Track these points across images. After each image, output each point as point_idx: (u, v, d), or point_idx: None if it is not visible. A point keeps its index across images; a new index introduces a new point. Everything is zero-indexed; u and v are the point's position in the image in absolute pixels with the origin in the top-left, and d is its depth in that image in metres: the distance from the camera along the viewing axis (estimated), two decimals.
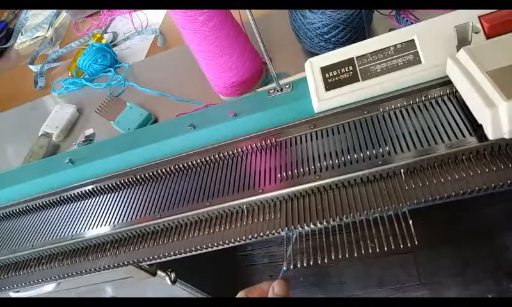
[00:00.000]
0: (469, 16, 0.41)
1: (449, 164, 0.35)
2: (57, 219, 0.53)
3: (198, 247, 0.42)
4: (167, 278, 0.55)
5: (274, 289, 0.36)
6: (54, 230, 0.52)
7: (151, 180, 0.51)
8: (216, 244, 0.41)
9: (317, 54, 0.47)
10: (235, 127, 0.49)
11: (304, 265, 0.36)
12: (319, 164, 0.39)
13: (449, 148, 0.35)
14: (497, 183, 0.33)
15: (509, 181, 0.33)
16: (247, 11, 0.43)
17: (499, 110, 0.31)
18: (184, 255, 0.43)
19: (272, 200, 0.40)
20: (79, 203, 0.54)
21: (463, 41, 0.39)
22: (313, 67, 0.46)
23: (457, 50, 0.38)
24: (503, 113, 0.31)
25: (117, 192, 0.52)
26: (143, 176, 0.51)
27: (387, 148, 0.38)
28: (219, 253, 0.43)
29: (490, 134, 0.32)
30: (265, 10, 0.70)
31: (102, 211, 0.50)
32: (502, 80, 0.33)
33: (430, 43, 0.42)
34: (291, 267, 0.35)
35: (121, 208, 0.49)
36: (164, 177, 0.50)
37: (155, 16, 0.94)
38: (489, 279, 0.33)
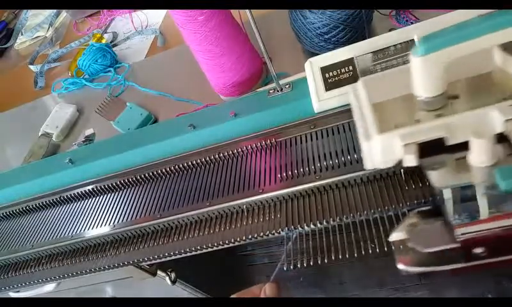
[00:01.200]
0: (469, 17, 0.41)
1: None
2: (57, 219, 0.53)
3: (198, 247, 0.42)
4: (167, 278, 0.55)
5: (265, 291, 0.36)
6: (54, 230, 0.52)
7: (151, 180, 0.51)
8: (215, 244, 0.41)
9: (317, 54, 0.47)
10: (235, 127, 0.49)
11: (304, 265, 0.36)
12: (319, 164, 0.39)
13: None
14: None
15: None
16: (247, 11, 0.43)
17: (372, 143, 0.32)
18: (184, 255, 0.43)
19: (272, 200, 0.40)
20: (79, 203, 0.54)
21: (363, 71, 0.41)
22: (313, 67, 0.46)
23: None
24: (376, 146, 0.32)
25: (117, 192, 0.52)
26: (143, 176, 0.51)
27: None
28: (219, 253, 0.43)
29: (366, 165, 0.33)
30: (265, 10, 0.70)
31: (102, 211, 0.50)
32: (383, 113, 0.33)
33: None
34: (291, 267, 0.35)
35: (121, 208, 0.49)
36: (164, 177, 0.50)
37: (155, 16, 0.94)
38: (489, 279, 0.33)
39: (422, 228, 0.33)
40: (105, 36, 0.96)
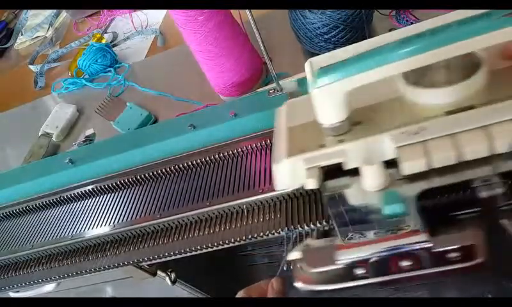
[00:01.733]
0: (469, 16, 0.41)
1: None
2: (57, 219, 0.53)
3: (198, 247, 0.42)
4: (167, 278, 0.55)
5: (273, 285, 0.36)
6: (54, 230, 0.52)
7: (151, 180, 0.51)
8: (215, 244, 0.41)
9: (317, 54, 0.47)
10: (235, 127, 0.49)
11: None
12: None
13: None
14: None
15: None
16: (247, 11, 0.43)
17: (280, 166, 0.33)
18: (184, 255, 0.43)
19: (272, 200, 0.40)
20: (79, 203, 0.54)
21: (292, 94, 0.42)
22: (313, 67, 0.46)
23: None
24: (283, 169, 0.33)
25: (117, 192, 0.52)
26: (143, 176, 0.51)
27: None
28: (220, 253, 0.43)
29: (276, 186, 0.35)
30: (265, 10, 0.70)
31: (102, 211, 0.50)
32: (295, 137, 0.35)
33: None
34: (291, 267, 0.35)
35: (121, 208, 0.49)
36: (164, 177, 0.50)
37: (155, 16, 0.95)
38: (488, 279, 0.33)
39: (312, 248, 0.35)
40: (105, 36, 0.96)
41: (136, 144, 0.54)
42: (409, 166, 0.30)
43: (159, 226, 0.46)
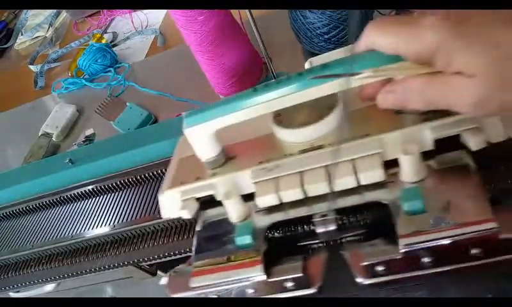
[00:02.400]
0: None
1: None
2: (57, 219, 0.53)
3: None
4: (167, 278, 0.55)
5: None
6: (54, 230, 0.52)
7: (151, 180, 0.51)
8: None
9: (317, 54, 0.47)
10: None
11: None
12: None
13: None
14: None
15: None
16: (247, 11, 0.43)
17: (163, 197, 0.37)
18: (184, 255, 0.43)
19: None
20: (79, 203, 0.54)
21: None
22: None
23: None
24: (165, 200, 0.36)
25: (117, 192, 0.52)
26: (143, 176, 0.51)
27: None
28: None
29: (162, 214, 0.38)
30: (265, 10, 0.70)
31: (102, 211, 0.50)
32: (183, 168, 0.38)
33: None
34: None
35: (121, 208, 0.49)
36: (163, 177, 0.50)
37: (155, 16, 0.95)
38: (489, 279, 0.33)
39: (177, 273, 0.37)
40: (105, 36, 0.96)
41: (135, 144, 0.54)
42: (263, 200, 0.33)
43: (159, 226, 0.46)
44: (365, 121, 0.33)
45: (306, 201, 0.33)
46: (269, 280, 0.31)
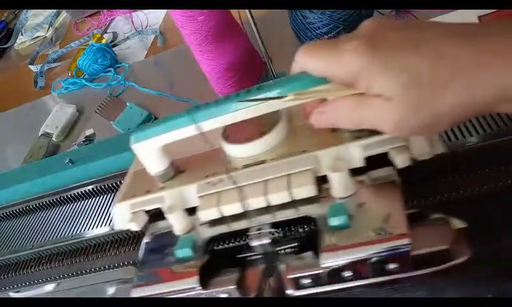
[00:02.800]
0: (469, 16, 0.41)
1: None
2: (57, 219, 0.53)
3: None
4: None
5: None
6: (54, 230, 0.52)
7: None
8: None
9: None
10: None
11: None
12: None
13: None
14: None
15: None
16: (247, 11, 0.43)
17: (115, 209, 0.38)
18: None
19: None
20: (79, 203, 0.54)
21: None
22: None
23: None
24: (116, 212, 0.38)
25: (117, 192, 0.52)
26: None
27: None
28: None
29: (114, 226, 0.39)
30: (265, 10, 0.70)
31: (102, 211, 0.50)
32: (137, 181, 0.39)
33: None
34: None
35: None
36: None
37: (155, 16, 0.95)
38: (489, 279, 0.33)
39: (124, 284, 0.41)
40: (105, 36, 0.96)
41: None
42: (205, 214, 0.35)
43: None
44: (305, 137, 0.35)
45: (247, 214, 0.34)
46: (204, 292, 0.32)
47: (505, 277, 0.32)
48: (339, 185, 0.32)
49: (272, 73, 0.49)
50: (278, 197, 0.33)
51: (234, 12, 0.58)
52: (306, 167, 0.32)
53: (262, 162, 0.34)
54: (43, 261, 0.52)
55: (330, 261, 0.29)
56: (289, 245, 0.34)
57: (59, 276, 0.50)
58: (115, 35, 0.97)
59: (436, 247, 0.29)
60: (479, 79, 0.22)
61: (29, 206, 0.57)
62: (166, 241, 0.36)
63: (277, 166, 0.33)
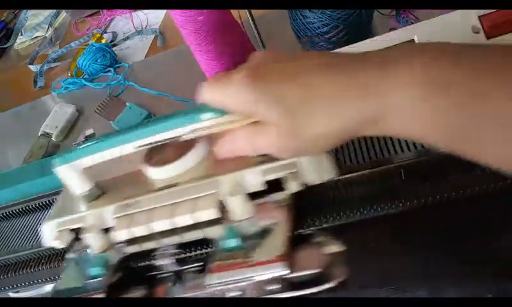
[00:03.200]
0: (469, 16, 0.41)
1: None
2: None
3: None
4: None
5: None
6: None
7: None
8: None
9: None
10: None
11: None
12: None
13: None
14: None
15: None
16: (247, 11, 0.43)
17: (43, 227, 0.41)
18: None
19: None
20: None
21: None
22: None
23: None
24: (44, 230, 0.40)
25: None
26: None
27: (386, 148, 0.38)
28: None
29: (44, 243, 0.42)
30: (265, 10, 0.70)
31: None
32: (67, 200, 0.42)
33: None
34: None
35: None
36: None
37: (155, 16, 0.95)
38: (489, 279, 0.33)
39: None
40: (105, 35, 0.96)
41: None
42: (118, 235, 0.37)
43: None
44: (217, 161, 0.37)
45: (158, 235, 0.37)
46: None
47: (505, 277, 0.32)
48: (236, 208, 0.35)
49: None
50: (183, 219, 0.35)
51: (234, 12, 0.58)
52: (210, 191, 0.35)
53: (175, 185, 0.37)
54: (43, 261, 0.52)
55: (215, 282, 0.32)
56: (194, 265, 0.37)
57: (59, 276, 0.49)
58: (115, 35, 0.97)
59: (311, 270, 0.32)
60: (339, 110, 0.25)
61: (29, 206, 0.57)
62: (84, 259, 0.40)
63: (186, 190, 0.36)
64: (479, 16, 0.41)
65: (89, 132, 0.73)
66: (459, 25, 0.40)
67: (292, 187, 0.33)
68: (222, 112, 0.31)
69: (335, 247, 0.33)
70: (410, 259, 0.34)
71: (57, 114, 0.77)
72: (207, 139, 0.39)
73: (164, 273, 0.38)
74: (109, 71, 0.84)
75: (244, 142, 0.31)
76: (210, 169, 0.37)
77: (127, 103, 0.70)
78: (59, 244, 0.39)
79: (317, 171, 0.33)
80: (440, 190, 0.34)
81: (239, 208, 0.35)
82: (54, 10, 1.15)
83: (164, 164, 0.38)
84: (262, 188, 0.35)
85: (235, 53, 0.58)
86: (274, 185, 0.34)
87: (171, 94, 0.71)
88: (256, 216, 0.35)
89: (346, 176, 0.37)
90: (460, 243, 0.34)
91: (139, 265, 0.38)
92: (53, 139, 0.74)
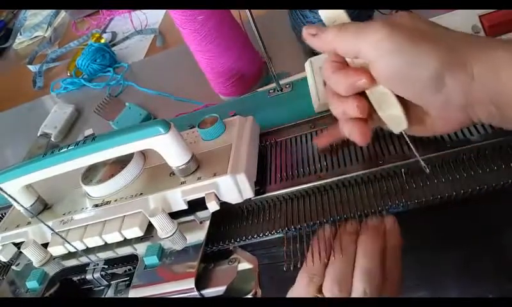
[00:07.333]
0: (469, 16, 0.41)
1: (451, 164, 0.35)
2: None
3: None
4: None
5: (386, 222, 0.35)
6: None
7: None
8: (216, 245, 0.40)
9: (317, 54, 0.47)
10: None
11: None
12: (319, 164, 0.39)
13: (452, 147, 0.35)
14: None
15: None
16: (247, 11, 0.43)
17: None
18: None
19: (272, 200, 0.40)
20: None
21: None
22: (313, 66, 0.46)
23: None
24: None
25: None
26: None
27: (387, 148, 0.38)
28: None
29: None
30: (265, 10, 0.70)
31: None
32: (14, 214, 0.44)
33: None
34: (291, 268, 0.35)
35: None
36: None
37: (154, 16, 0.94)
38: (489, 279, 0.33)
39: None
40: (104, 35, 0.96)
41: None
42: (53, 250, 0.39)
43: None
44: (149, 180, 0.39)
45: (91, 250, 0.39)
46: None
47: (505, 277, 0.32)
48: (158, 227, 0.36)
49: (273, 73, 0.49)
50: (112, 236, 0.37)
51: (234, 12, 0.58)
52: (137, 210, 0.37)
53: (108, 202, 0.39)
54: None
55: (135, 296, 0.34)
56: (121, 280, 0.40)
57: None
58: (114, 35, 0.97)
59: (221, 286, 0.34)
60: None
61: None
62: (25, 273, 0.41)
63: (117, 208, 0.38)
64: (479, 16, 0.41)
65: (88, 132, 0.73)
66: (459, 25, 0.40)
67: (210, 206, 0.36)
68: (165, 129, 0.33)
69: (245, 265, 0.35)
70: (411, 260, 0.34)
71: (56, 114, 0.77)
72: (141, 157, 0.41)
73: (97, 286, 0.40)
74: (108, 71, 0.84)
75: (351, 35, 0.31)
76: (140, 187, 0.39)
77: (127, 104, 0.70)
78: (2, 257, 0.41)
79: (236, 192, 0.36)
80: (439, 190, 0.34)
81: (160, 227, 0.36)
82: (53, 10, 1.15)
83: (99, 183, 0.39)
84: (185, 208, 0.37)
85: (235, 53, 0.57)
86: (199, 204, 0.36)
87: (170, 94, 0.71)
88: (177, 233, 0.37)
89: (264, 195, 0.39)
90: (460, 243, 0.34)
91: (73, 279, 0.41)
92: (52, 139, 0.74)
